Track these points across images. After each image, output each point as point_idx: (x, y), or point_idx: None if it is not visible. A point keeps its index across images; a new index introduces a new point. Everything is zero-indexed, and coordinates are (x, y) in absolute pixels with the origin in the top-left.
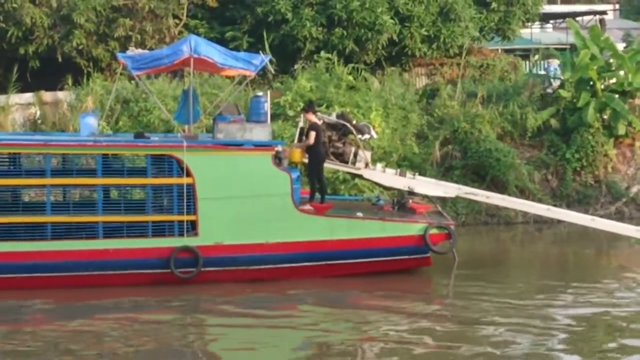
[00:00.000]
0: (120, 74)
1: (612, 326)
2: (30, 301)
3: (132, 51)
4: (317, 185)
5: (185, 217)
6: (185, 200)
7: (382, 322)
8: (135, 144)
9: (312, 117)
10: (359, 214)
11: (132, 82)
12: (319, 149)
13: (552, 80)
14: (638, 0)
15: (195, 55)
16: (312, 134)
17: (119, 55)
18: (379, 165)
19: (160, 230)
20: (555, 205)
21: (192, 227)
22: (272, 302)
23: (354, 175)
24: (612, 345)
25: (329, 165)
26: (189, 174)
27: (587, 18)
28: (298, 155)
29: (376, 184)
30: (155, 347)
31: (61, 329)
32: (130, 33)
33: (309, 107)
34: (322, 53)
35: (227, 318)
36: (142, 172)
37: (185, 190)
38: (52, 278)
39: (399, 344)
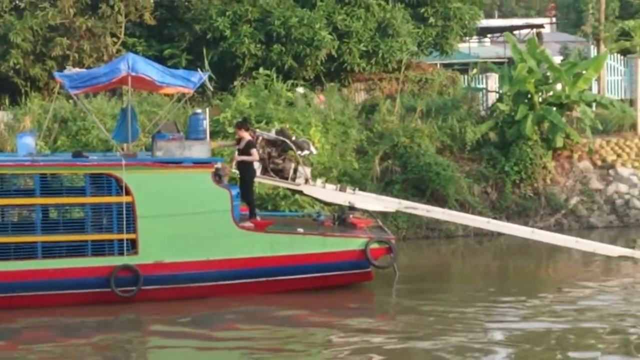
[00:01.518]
0: (58, 93)
1: (554, 340)
2: None
3: (70, 70)
4: (254, 201)
5: (125, 236)
6: (124, 219)
7: (325, 339)
8: (73, 163)
9: (246, 134)
10: (300, 230)
11: (70, 101)
12: (253, 166)
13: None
14: (575, 13)
15: (133, 74)
16: (254, 151)
17: (56, 74)
18: (319, 181)
19: (100, 249)
20: (495, 218)
21: (132, 245)
22: (213, 321)
23: (294, 191)
24: (551, 355)
25: (269, 182)
26: (128, 193)
27: (524, 32)
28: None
29: (316, 199)
30: None
31: None
32: (67, 52)
33: (243, 123)
34: (261, 69)
35: (165, 338)
36: (81, 192)
37: (124, 209)
38: None
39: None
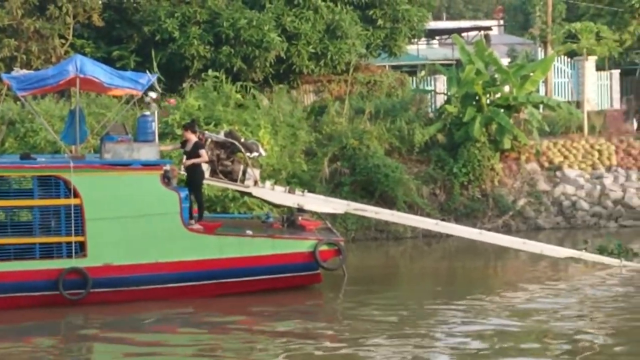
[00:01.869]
0: (6, 95)
1: (501, 343)
2: None
3: (17, 72)
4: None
5: (73, 239)
6: (73, 221)
7: (271, 343)
8: (21, 165)
9: (193, 136)
10: (249, 232)
11: (18, 103)
12: (201, 167)
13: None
14: (522, 16)
15: (82, 75)
16: (203, 152)
17: (4, 75)
18: (268, 183)
19: (48, 252)
20: (443, 220)
21: (81, 248)
22: (159, 324)
23: (243, 193)
24: (494, 357)
25: (218, 184)
26: (76, 195)
27: (472, 34)
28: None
29: (265, 201)
30: None
31: None
32: (15, 53)
33: (190, 125)
34: (210, 71)
35: (108, 344)
36: (28, 194)
37: (73, 211)
38: None
39: None
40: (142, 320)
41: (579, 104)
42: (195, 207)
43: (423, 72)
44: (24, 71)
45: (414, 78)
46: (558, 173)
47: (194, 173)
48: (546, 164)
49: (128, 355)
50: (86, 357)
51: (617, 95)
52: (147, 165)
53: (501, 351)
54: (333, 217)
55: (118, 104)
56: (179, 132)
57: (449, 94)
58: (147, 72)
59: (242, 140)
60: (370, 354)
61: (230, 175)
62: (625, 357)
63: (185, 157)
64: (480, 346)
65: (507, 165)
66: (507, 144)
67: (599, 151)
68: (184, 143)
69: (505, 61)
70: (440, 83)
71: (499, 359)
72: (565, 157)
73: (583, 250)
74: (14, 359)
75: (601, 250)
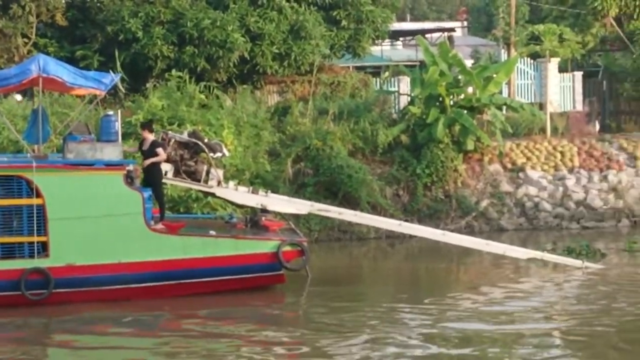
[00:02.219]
0: None
1: (462, 345)
2: None
3: None
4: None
5: (35, 239)
6: (35, 221)
7: (231, 345)
8: None
9: (150, 135)
10: (212, 232)
11: None
12: (159, 165)
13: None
14: (485, 17)
15: (44, 75)
16: (161, 150)
17: None
18: (232, 183)
19: (10, 252)
20: (406, 221)
21: (43, 248)
22: (119, 325)
23: (207, 194)
24: None
25: (182, 184)
26: (38, 195)
27: (436, 35)
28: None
29: (229, 202)
30: None
31: None
32: None
33: (147, 124)
34: (174, 71)
35: (73, 345)
36: None
37: (35, 211)
38: None
39: None
40: (104, 319)
41: (541, 106)
42: (155, 208)
43: (387, 73)
44: None
45: (378, 79)
46: (521, 174)
47: (152, 172)
48: (509, 165)
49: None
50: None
51: (579, 97)
52: (110, 165)
53: (462, 355)
54: (296, 217)
55: (81, 104)
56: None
57: (412, 95)
58: (111, 71)
59: (206, 140)
60: (330, 354)
61: (193, 176)
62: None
63: (143, 157)
64: (442, 350)
65: (470, 167)
66: (470, 145)
67: (562, 153)
68: (141, 143)
69: (468, 62)
70: (404, 84)
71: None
72: (528, 159)
73: (545, 252)
74: None
75: (569, 251)
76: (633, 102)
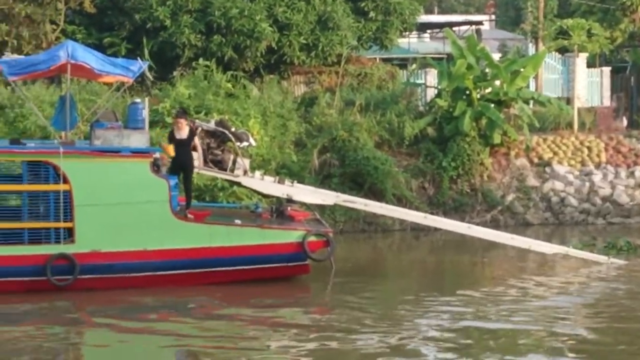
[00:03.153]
0: None
1: (484, 337)
2: None
3: (8, 56)
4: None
5: (61, 224)
6: (62, 207)
7: (259, 333)
8: (10, 150)
9: (186, 124)
10: (238, 221)
11: (8, 87)
12: (192, 155)
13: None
14: (514, 11)
15: (73, 61)
16: (197, 138)
17: None
18: (258, 173)
19: (36, 237)
20: (432, 213)
21: (69, 234)
22: (146, 312)
23: (233, 183)
24: (479, 353)
25: (208, 173)
26: (65, 181)
27: (464, 28)
28: (172, 150)
29: (255, 191)
30: (22, 355)
31: None
32: (6, 38)
33: (184, 113)
34: (201, 60)
35: (98, 329)
36: (18, 179)
37: (62, 197)
38: None
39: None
40: (130, 306)
41: (569, 101)
42: (181, 196)
43: (414, 66)
44: (15, 56)
45: (405, 71)
46: (547, 169)
47: (186, 161)
48: (535, 160)
49: (120, 342)
50: (75, 342)
51: (607, 92)
52: (137, 153)
53: (485, 346)
54: (322, 208)
55: (109, 91)
56: (169, 120)
57: (439, 87)
58: (139, 59)
59: (233, 129)
60: (355, 345)
61: (220, 165)
62: (613, 351)
63: (173, 144)
64: (464, 340)
65: (496, 160)
66: (497, 139)
67: (589, 148)
68: (172, 131)
69: (496, 56)
70: (431, 77)
71: (482, 353)
72: (555, 153)
73: (571, 247)
74: (5, 344)
75: (611, 247)
76: None
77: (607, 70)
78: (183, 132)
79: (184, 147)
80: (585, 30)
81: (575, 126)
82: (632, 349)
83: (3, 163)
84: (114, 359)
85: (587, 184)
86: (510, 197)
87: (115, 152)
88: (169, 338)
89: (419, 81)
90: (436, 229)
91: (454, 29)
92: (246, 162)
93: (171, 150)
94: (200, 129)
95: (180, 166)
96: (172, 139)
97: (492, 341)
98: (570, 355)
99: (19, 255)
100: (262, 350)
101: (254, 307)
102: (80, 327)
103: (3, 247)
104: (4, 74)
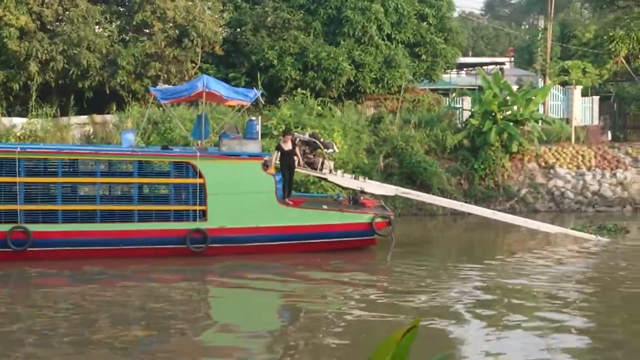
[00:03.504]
0: (152, 102)
1: (506, 296)
2: (91, 268)
3: (161, 86)
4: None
5: (197, 207)
6: (198, 195)
7: (336, 289)
8: (162, 153)
9: (290, 139)
10: (324, 207)
11: (160, 108)
12: (295, 159)
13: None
14: (528, 55)
15: (207, 90)
16: (297, 149)
17: (151, 88)
18: (339, 172)
19: (179, 216)
20: (466, 202)
21: (203, 214)
22: (261, 271)
23: (321, 179)
24: (502, 305)
25: (304, 171)
26: (201, 176)
27: (491, 67)
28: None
29: (337, 185)
30: (168, 302)
31: (111, 289)
32: (159, 73)
33: (289, 132)
34: (299, 90)
35: (223, 287)
36: (166, 174)
37: (198, 188)
38: (101, 251)
39: (349, 309)
40: (244, 267)
41: (568, 121)
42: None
43: (454, 94)
44: (165, 86)
45: (447, 98)
46: (551, 171)
47: (290, 163)
48: (543, 164)
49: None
50: (217, 295)
51: (596, 114)
52: (252, 156)
53: (507, 303)
54: (385, 198)
55: (232, 111)
56: (275, 133)
57: (472, 110)
58: (254, 88)
59: (322, 140)
60: (409, 300)
61: (312, 165)
62: (604, 308)
63: (279, 153)
64: (490, 297)
65: (514, 164)
66: (514, 148)
67: (582, 156)
68: (279, 144)
69: (514, 88)
70: (467, 102)
71: (501, 307)
72: (557, 159)
73: (569, 228)
74: (157, 293)
75: (602, 229)
76: (636, 119)
77: (596, 98)
78: (287, 145)
79: (288, 155)
80: (581, 69)
81: (573, 139)
82: (611, 302)
83: (157, 163)
84: (230, 305)
85: (581, 182)
86: (523, 191)
87: (236, 155)
88: (263, 294)
89: (457, 106)
90: (469, 214)
91: (484, 67)
92: (331, 164)
93: (275, 158)
94: (298, 139)
95: (287, 167)
96: (279, 149)
97: (508, 298)
98: (570, 307)
99: (167, 229)
100: (333, 298)
101: (334, 270)
102: (207, 284)
103: (156, 223)
104: (158, 99)
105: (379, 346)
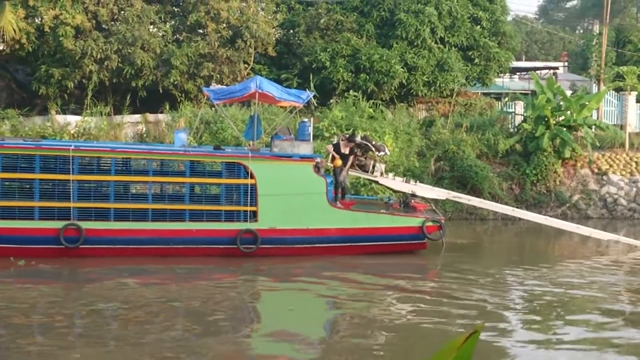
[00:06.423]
0: (204, 102)
1: (554, 300)
2: (141, 266)
3: (214, 86)
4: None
5: (248, 208)
6: (249, 196)
7: (386, 292)
8: (214, 153)
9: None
10: (382, 211)
11: (213, 108)
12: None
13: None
14: (582, 59)
15: (260, 91)
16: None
17: (204, 89)
18: (391, 175)
19: (230, 216)
20: (517, 207)
21: (254, 215)
22: (310, 273)
23: (372, 181)
24: (553, 316)
25: (355, 173)
26: (252, 177)
27: (544, 72)
28: (339, 162)
29: (388, 188)
30: (216, 301)
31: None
32: (212, 73)
33: (351, 136)
34: (351, 92)
35: (271, 289)
36: (218, 174)
37: (249, 189)
38: (151, 249)
39: (399, 314)
40: (294, 269)
41: (622, 127)
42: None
43: (507, 99)
44: (218, 86)
45: (500, 102)
46: (604, 177)
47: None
48: (596, 170)
49: (288, 289)
50: (266, 294)
51: None
52: (304, 158)
53: (558, 314)
54: (436, 201)
55: (284, 113)
56: (327, 134)
57: (525, 115)
58: (306, 90)
59: (373, 142)
60: (460, 302)
61: (363, 168)
62: None
63: (336, 156)
64: (540, 306)
65: (566, 170)
66: (567, 154)
67: (636, 162)
68: (338, 145)
69: (568, 93)
70: (519, 107)
71: (549, 313)
72: (610, 166)
73: (621, 235)
74: (208, 291)
75: None
76: None
77: None
78: (347, 150)
79: (346, 158)
80: (636, 75)
81: (627, 146)
82: None
83: (209, 163)
84: (278, 308)
85: (634, 189)
86: (576, 197)
87: (288, 157)
88: (308, 295)
89: (510, 110)
90: (520, 219)
91: (537, 72)
92: (382, 167)
93: (338, 162)
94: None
95: (340, 170)
96: (337, 151)
97: (560, 308)
98: (625, 320)
99: (218, 229)
100: (382, 302)
101: (384, 273)
102: (256, 285)
103: (207, 223)
104: (210, 99)
105: (439, 351)
